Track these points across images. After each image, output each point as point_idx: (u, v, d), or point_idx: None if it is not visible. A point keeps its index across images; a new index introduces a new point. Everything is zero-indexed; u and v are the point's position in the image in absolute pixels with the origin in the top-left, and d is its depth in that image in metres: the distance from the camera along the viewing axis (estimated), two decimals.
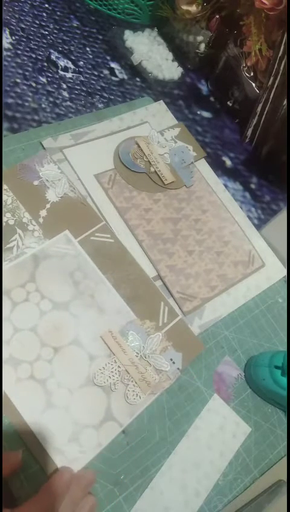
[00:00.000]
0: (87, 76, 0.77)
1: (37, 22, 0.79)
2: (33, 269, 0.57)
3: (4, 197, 0.60)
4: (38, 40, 0.77)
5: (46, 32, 0.79)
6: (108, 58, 0.80)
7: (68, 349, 0.54)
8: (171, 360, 0.56)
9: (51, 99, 0.72)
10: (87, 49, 0.80)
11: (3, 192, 0.60)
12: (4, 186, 0.60)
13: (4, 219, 0.59)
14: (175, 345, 0.58)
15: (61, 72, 0.75)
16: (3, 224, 0.58)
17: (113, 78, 0.78)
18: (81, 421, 0.52)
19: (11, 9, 0.79)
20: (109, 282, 0.59)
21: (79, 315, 0.56)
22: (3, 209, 0.59)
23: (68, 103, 0.73)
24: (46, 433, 0.50)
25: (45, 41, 0.77)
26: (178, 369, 0.56)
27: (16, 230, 0.59)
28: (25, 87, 0.71)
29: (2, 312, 0.54)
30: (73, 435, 0.51)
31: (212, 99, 0.82)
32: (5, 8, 0.78)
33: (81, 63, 0.77)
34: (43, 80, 0.73)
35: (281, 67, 0.65)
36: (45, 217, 0.61)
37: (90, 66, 0.78)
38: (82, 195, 0.64)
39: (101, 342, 0.55)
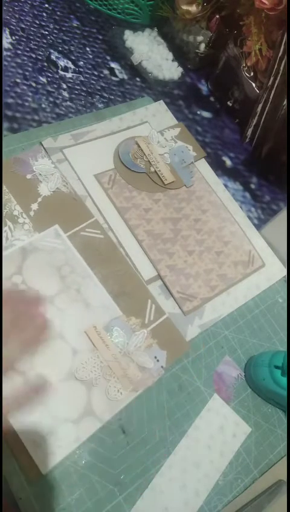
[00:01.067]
0: (87, 76, 0.77)
1: (37, 22, 0.79)
2: (21, 262, 0.57)
3: None
4: (38, 40, 0.77)
5: (46, 32, 0.79)
6: (108, 58, 0.80)
7: (52, 343, 0.54)
8: (155, 357, 0.56)
9: (51, 99, 0.72)
10: (87, 49, 0.80)
11: None
12: None
13: None
14: (160, 342, 0.58)
15: (61, 72, 0.75)
16: None
17: (113, 78, 0.78)
18: (60, 414, 0.51)
19: (11, 9, 0.79)
20: (96, 277, 0.59)
21: (64, 309, 0.56)
22: None
23: (68, 103, 0.73)
24: (24, 426, 0.50)
25: (45, 41, 0.77)
26: (162, 367, 0.56)
27: (6, 222, 0.59)
28: (25, 87, 0.71)
29: None
30: (51, 429, 0.50)
31: (212, 99, 0.82)
32: (5, 8, 0.78)
33: (81, 63, 0.77)
34: (43, 79, 0.73)
35: (281, 67, 0.65)
36: (36, 211, 0.61)
37: (90, 66, 0.78)
38: (74, 191, 0.64)
39: (85, 337, 0.55)
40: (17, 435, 0.49)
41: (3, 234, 0.58)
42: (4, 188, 0.60)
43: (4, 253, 0.57)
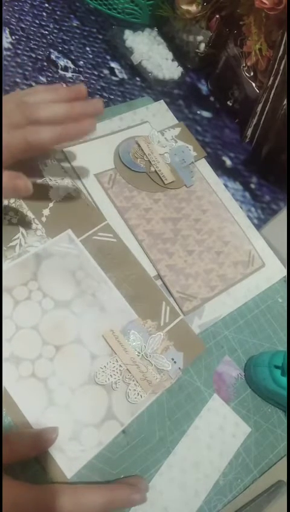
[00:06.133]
0: (87, 76, 0.77)
1: (37, 21, 0.79)
2: (35, 268, 0.57)
3: None
4: (38, 39, 0.77)
5: (46, 32, 0.79)
6: (108, 57, 0.80)
7: (70, 348, 0.54)
8: (172, 359, 0.56)
9: None
10: (87, 48, 0.80)
11: None
12: None
13: (7, 217, 0.59)
14: (176, 344, 0.58)
15: (61, 72, 0.75)
16: (6, 222, 0.58)
17: (113, 77, 0.78)
18: (82, 419, 0.52)
19: (11, 9, 0.79)
20: (110, 281, 0.59)
21: (81, 314, 0.56)
22: (6, 208, 0.59)
23: None
24: None
25: (44, 41, 0.77)
26: (179, 368, 0.56)
27: (19, 228, 0.59)
28: (24, 87, 0.71)
29: (3, 310, 0.54)
30: (74, 434, 0.51)
31: (212, 99, 0.82)
32: (5, 7, 0.78)
33: (81, 62, 0.77)
34: (43, 79, 0.73)
35: (281, 67, 0.65)
36: (47, 216, 0.61)
37: (90, 66, 0.78)
38: (85, 195, 0.64)
39: (103, 341, 0.55)
40: None
41: (17, 241, 0.58)
42: None
43: (18, 259, 0.57)
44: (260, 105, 0.71)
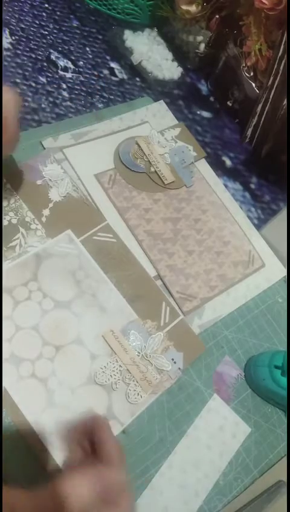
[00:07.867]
0: (87, 76, 0.77)
1: (37, 22, 0.79)
2: (35, 268, 0.57)
3: (7, 196, 0.60)
4: (38, 40, 0.77)
5: (46, 32, 0.79)
6: (108, 58, 0.80)
7: (70, 348, 0.54)
8: (172, 359, 0.56)
9: (51, 99, 0.72)
10: (87, 49, 0.80)
11: (7, 191, 0.60)
12: (7, 186, 0.60)
13: (7, 218, 0.59)
14: (176, 344, 0.58)
15: (61, 72, 0.75)
16: (6, 223, 0.59)
17: (113, 78, 0.78)
18: None
19: (11, 9, 0.79)
20: (110, 281, 0.59)
21: (81, 314, 0.56)
22: (7, 208, 0.59)
23: (68, 103, 0.73)
24: (47, 431, 0.50)
25: (44, 41, 0.77)
26: (179, 368, 0.56)
27: (19, 229, 0.59)
28: (24, 87, 0.71)
29: (3, 310, 0.54)
30: None
31: (212, 99, 0.82)
32: (5, 8, 0.78)
33: (81, 63, 0.77)
34: (43, 79, 0.73)
35: (281, 67, 0.65)
36: (47, 216, 0.61)
37: (90, 66, 0.78)
38: (84, 195, 0.64)
39: (103, 341, 0.55)
40: (41, 440, 0.50)
41: (17, 241, 0.58)
42: (15, 194, 0.61)
43: (18, 260, 0.57)
44: (260, 105, 0.71)
